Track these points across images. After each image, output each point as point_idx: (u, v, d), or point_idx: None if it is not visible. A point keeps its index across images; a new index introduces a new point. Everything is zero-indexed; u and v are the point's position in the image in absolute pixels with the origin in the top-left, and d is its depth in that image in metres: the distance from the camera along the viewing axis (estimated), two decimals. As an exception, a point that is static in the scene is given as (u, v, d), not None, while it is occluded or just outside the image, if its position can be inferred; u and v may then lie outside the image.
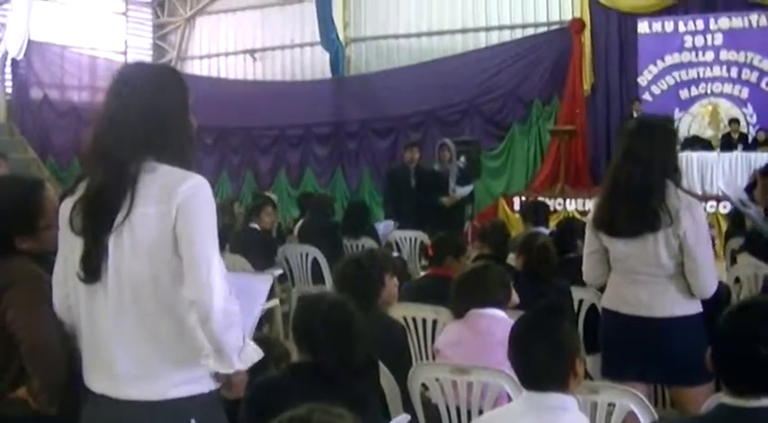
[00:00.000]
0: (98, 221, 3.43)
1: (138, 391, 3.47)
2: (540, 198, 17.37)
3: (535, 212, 10.28)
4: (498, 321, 5.41)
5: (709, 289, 5.30)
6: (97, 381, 3.56)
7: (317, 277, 10.89)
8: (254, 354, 3.68)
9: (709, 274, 5.30)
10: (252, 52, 27.65)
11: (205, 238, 3.44)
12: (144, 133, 3.45)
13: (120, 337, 3.46)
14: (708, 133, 21.71)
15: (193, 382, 3.52)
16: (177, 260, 3.41)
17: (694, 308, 5.32)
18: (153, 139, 3.46)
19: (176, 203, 3.37)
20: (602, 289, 5.88)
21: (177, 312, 3.44)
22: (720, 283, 6.10)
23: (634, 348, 5.30)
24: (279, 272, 10.98)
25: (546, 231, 9.13)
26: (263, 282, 4.09)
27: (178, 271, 3.41)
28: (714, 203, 17.79)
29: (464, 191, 15.03)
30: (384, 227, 13.08)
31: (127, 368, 3.47)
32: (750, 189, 5.74)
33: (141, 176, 3.41)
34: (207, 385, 3.57)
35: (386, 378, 4.90)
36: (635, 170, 5.25)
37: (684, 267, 5.24)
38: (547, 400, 3.71)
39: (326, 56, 25.04)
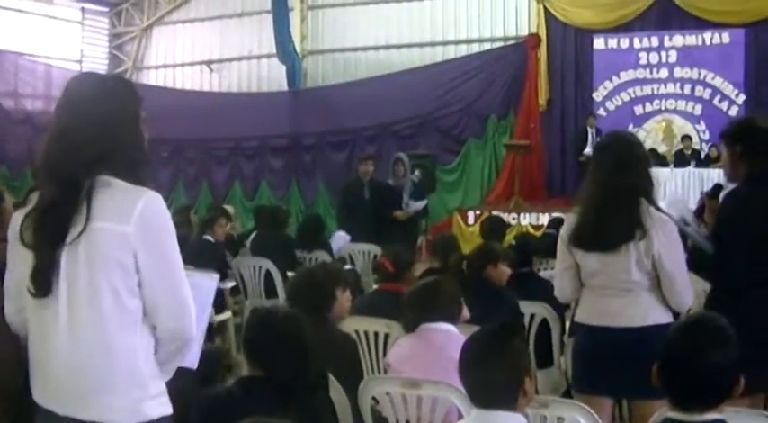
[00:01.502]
0: (50, 235, 3.37)
1: (86, 411, 3.41)
2: (495, 212, 17.44)
3: (490, 228, 10.35)
4: (450, 337, 5.41)
5: (687, 303, 5.38)
6: (43, 396, 3.50)
7: (270, 290, 10.86)
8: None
9: (686, 288, 5.35)
10: (209, 63, 27.55)
11: (173, 265, 3.46)
12: (95, 147, 3.40)
13: (72, 354, 3.39)
14: (661, 149, 21.91)
15: (148, 400, 3.47)
16: (134, 278, 3.39)
17: (666, 317, 5.34)
18: (105, 153, 3.41)
19: (135, 225, 3.35)
20: (555, 305, 5.90)
21: (134, 329, 3.41)
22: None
23: (606, 362, 5.29)
24: (231, 284, 10.96)
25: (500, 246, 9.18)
26: (210, 280, 4.06)
27: (134, 289, 3.39)
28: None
29: (418, 205, 15.02)
30: (337, 239, 13.06)
31: (76, 385, 3.41)
32: (700, 213, 5.78)
33: (96, 191, 3.36)
34: (162, 409, 3.53)
35: (336, 391, 4.90)
36: (609, 186, 5.29)
37: (661, 282, 5.28)
38: (496, 419, 3.74)
39: (284, 68, 25.01)
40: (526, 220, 19.62)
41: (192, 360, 3.72)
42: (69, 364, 3.40)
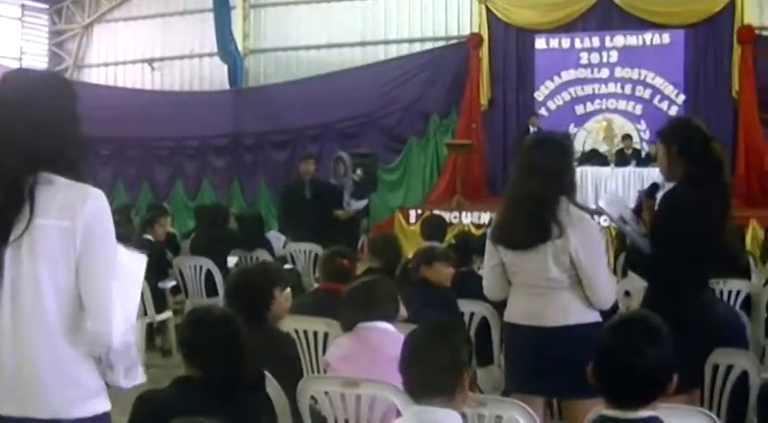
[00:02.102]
0: None
1: (30, 409, 3.36)
2: (437, 211, 17.45)
3: (431, 227, 10.36)
4: (388, 336, 5.41)
5: (607, 301, 5.38)
6: None
7: (211, 289, 10.82)
8: (141, 377, 3.63)
9: (605, 286, 5.38)
10: (150, 62, 27.36)
11: (107, 268, 3.40)
12: (33, 145, 3.35)
13: (14, 352, 3.34)
14: (602, 148, 22.10)
15: (90, 399, 3.44)
16: (76, 278, 3.36)
17: (591, 316, 5.37)
18: (43, 152, 3.36)
19: (79, 222, 3.31)
20: (494, 303, 5.92)
21: (78, 327, 3.37)
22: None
23: (533, 361, 5.32)
24: (172, 283, 10.91)
25: (441, 246, 9.19)
26: (139, 262, 3.99)
27: (76, 288, 3.36)
28: (607, 218, 17.98)
29: (359, 204, 15.04)
30: (272, 240, 13.03)
31: (18, 383, 3.35)
32: (638, 211, 5.82)
33: (38, 188, 3.31)
34: (102, 405, 3.49)
35: (275, 391, 4.89)
36: (531, 183, 5.31)
37: (581, 280, 5.30)
38: (432, 415, 3.76)
39: (226, 67, 24.92)
40: (468, 219, 19.64)
41: (133, 378, 3.67)
42: (16, 365, 3.34)
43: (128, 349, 3.50)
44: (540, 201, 5.26)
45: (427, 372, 3.78)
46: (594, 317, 5.39)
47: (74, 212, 3.30)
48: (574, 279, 5.33)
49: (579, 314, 5.35)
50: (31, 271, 3.31)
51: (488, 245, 5.66)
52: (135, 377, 3.60)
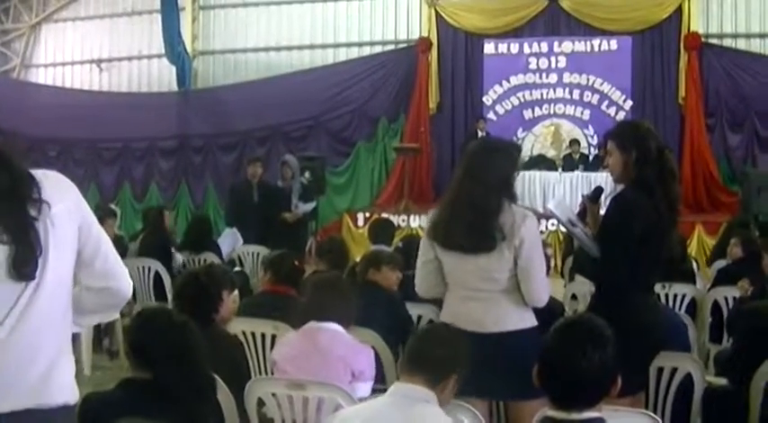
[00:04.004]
0: None
1: (44, 397, 3.33)
2: (385, 214, 17.53)
3: (379, 230, 10.36)
4: (337, 337, 5.45)
5: (542, 297, 5.38)
6: None
7: (160, 292, 10.77)
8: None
9: (542, 282, 5.40)
10: (98, 62, 27.09)
11: (106, 235, 3.59)
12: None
13: (28, 346, 3.29)
14: (550, 153, 22.26)
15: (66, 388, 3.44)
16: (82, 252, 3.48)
17: (528, 322, 5.39)
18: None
19: (74, 201, 3.44)
20: (440, 305, 5.94)
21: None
22: (553, 299, 6.24)
23: (473, 365, 5.31)
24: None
25: (389, 249, 9.20)
26: None
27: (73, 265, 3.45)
28: (554, 221, 18.10)
29: (307, 207, 15.08)
30: (229, 236, 13.00)
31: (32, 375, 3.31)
32: (582, 215, 5.85)
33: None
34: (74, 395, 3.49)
35: (223, 393, 4.89)
36: (474, 190, 5.29)
37: (518, 276, 5.31)
38: (413, 391, 4.00)
39: (174, 68, 24.79)
40: (416, 222, 19.63)
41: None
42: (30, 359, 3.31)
43: None
44: (484, 209, 5.26)
45: (423, 349, 4.26)
46: (531, 322, 5.41)
47: (69, 194, 3.43)
48: (511, 281, 5.33)
49: (518, 320, 5.36)
50: (54, 262, 3.32)
51: (424, 240, 5.65)
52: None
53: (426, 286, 5.74)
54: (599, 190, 5.96)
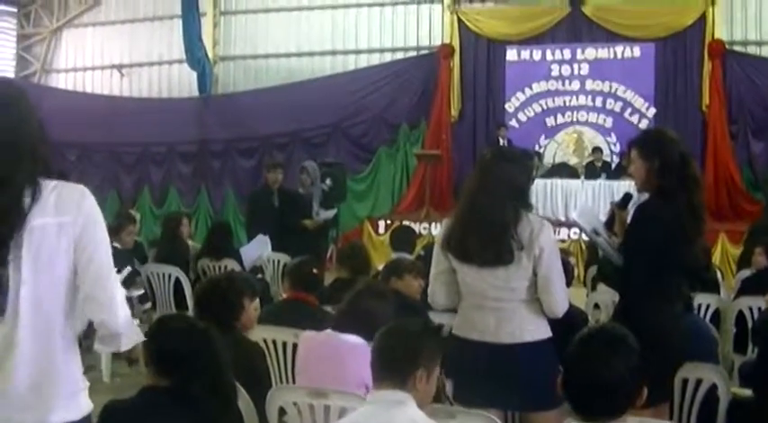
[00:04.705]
0: None
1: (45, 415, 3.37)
2: (406, 222, 17.48)
3: (400, 238, 10.30)
4: (360, 349, 5.40)
5: (561, 306, 5.33)
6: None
7: (180, 299, 10.73)
8: (136, 336, 3.74)
9: (562, 291, 5.36)
10: (119, 67, 27.15)
11: (109, 260, 3.55)
12: (22, 149, 3.37)
13: (28, 360, 3.34)
14: (572, 161, 22.19)
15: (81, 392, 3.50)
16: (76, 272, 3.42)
17: (543, 333, 5.35)
18: (28, 155, 3.38)
19: (80, 218, 3.42)
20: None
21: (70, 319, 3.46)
22: (576, 308, 6.19)
23: (483, 375, 5.25)
24: (140, 292, 10.81)
25: (410, 257, 9.15)
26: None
27: (72, 282, 3.42)
28: (577, 230, 18.02)
29: (328, 214, 14.99)
30: (261, 243, 12.90)
31: (31, 391, 3.35)
32: (610, 224, 5.81)
33: (28, 190, 3.33)
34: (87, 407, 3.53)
35: (244, 401, 4.85)
36: (488, 204, 5.26)
37: (538, 285, 5.27)
38: (385, 396, 3.95)
39: (194, 73, 24.79)
40: (437, 229, 19.53)
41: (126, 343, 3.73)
42: (29, 375, 3.35)
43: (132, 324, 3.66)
44: (500, 223, 5.22)
45: (386, 354, 4.10)
46: (547, 332, 5.37)
47: (72, 209, 3.40)
48: (528, 291, 5.29)
49: (534, 331, 5.32)
50: (32, 275, 3.31)
51: (437, 250, 5.60)
52: (131, 340, 3.73)
53: (439, 298, 5.71)
54: (628, 196, 5.91)
